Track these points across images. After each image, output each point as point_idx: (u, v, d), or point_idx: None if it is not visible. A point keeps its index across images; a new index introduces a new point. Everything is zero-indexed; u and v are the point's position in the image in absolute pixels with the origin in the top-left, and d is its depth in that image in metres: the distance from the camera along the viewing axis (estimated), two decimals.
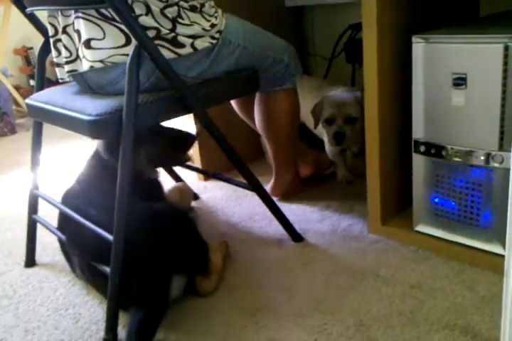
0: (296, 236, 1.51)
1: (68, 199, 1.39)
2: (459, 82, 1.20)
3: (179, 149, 1.61)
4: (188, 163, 1.80)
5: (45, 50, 1.39)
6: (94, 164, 1.46)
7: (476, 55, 1.15)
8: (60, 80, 1.36)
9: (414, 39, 1.24)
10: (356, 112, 1.65)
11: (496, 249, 1.27)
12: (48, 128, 1.47)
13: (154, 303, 1.16)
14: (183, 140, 1.60)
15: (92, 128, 1.14)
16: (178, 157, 1.61)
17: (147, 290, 1.17)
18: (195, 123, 1.92)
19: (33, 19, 1.37)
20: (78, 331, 1.22)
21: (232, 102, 1.78)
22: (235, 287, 1.32)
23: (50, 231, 1.40)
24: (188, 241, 1.29)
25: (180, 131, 1.58)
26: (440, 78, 1.22)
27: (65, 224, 1.35)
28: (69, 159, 2.56)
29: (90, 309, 1.30)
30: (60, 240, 1.39)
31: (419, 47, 1.24)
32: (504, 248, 1.25)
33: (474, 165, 1.23)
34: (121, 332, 1.19)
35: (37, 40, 1.39)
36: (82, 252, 1.24)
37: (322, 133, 1.90)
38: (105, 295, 1.25)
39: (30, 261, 1.54)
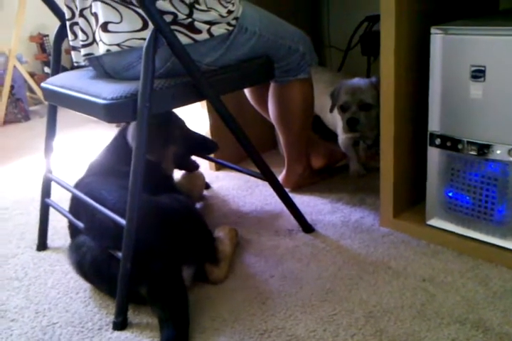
0: (307, 227, 1.51)
1: (82, 184, 1.40)
2: (478, 74, 1.18)
3: (200, 155, 1.65)
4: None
5: (61, 34, 1.39)
6: (112, 150, 1.46)
7: (496, 47, 1.13)
8: (75, 64, 1.36)
9: (433, 30, 1.23)
10: (371, 98, 1.64)
11: (510, 244, 1.25)
12: (62, 115, 1.47)
13: (174, 307, 1.15)
14: (207, 146, 1.64)
15: (107, 112, 1.14)
16: (192, 162, 1.72)
17: (162, 288, 1.16)
18: (209, 112, 1.92)
19: (49, 2, 1.37)
20: (88, 314, 1.23)
21: (246, 92, 1.78)
22: (245, 275, 1.32)
23: (63, 214, 1.40)
24: (194, 232, 1.29)
25: (205, 138, 1.62)
26: (458, 70, 1.21)
27: (79, 209, 1.36)
28: (83, 146, 2.57)
29: (100, 293, 1.30)
30: (70, 225, 1.39)
31: (437, 38, 1.23)
32: None
33: (490, 159, 1.22)
34: (131, 316, 1.20)
35: (53, 28, 1.39)
36: (101, 239, 1.23)
37: (335, 125, 1.90)
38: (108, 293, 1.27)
39: (42, 245, 1.56)
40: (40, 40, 3.53)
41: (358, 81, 1.71)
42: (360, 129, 1.69)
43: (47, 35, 3.53)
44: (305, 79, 1.56)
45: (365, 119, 1.67)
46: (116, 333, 1.16)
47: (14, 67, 3.06)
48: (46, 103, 1.47)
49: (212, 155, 1.81)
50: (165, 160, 1.54)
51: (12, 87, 3.10)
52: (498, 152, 1.20)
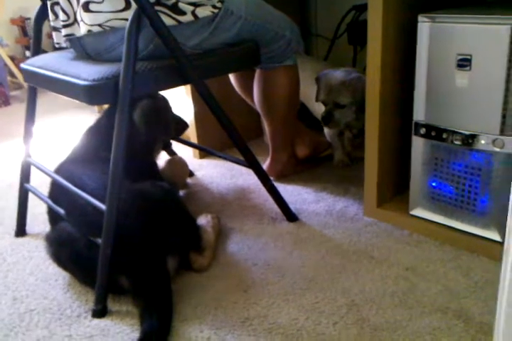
0: (290, 215, 1.50)
1: (63, 168, 1.37)
2: (464, 63, 1.17)
3: (176, 135, 1.65)
4: (186, 139, 1.79)
5: (42, 14, 1.36)
6: (96, 134, 1.43)
7: (482, 36, 1.13)
8: (56, 45, 1.33)
9: (420, 18, 1.22)
10: (345, 98, 1.63)
11: (492, 235, 1.26)
12: (43, 101, 1.44)
13: (158, 295, 1.13)
14: (182, 126, 1.63)
15: (88, 93, 1.11)
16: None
17: (145, 279, 1.14)
18: (194, 99, 1.90)
19: None
20: (67, 301, 1.21)
21: (232, 78, 1.75)
22: (228, 263, 1.31)
23: (42, 200, 1.37)
24: (177, 219, 1.27)
25: (179, 118, 1.61)
26: (444, 59, 1.20)
27: (58, 194, 1.33)
28: (64, 131, 2.52)
29: None
30: (49, 211, 1.36)
31: (424, 26, 1.22)
32: (500, 234, 1.24)
33: (474, 149, 1.21)
34: (111, 303, 1.18)
35: (34, 11, 1.35)
36: (81, 225, 1.21)
37: (320, 114, 1.88)
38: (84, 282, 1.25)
39: (21, 231, 1.53)
40: (21, 23, 3.46)
41: (336, 76, 1.67)
42: (335, 125, 1.69)
43: (28, 18, 3.45)
44: (291, 66, 1.54)
45: (340, 116, 1.67)
46: (96, 321, 1.14)
47: None
48: (27, 87, 1.43)
49: (195, 141, 1.79)
50: (157, 141, 1.52)
51: None
52: (483, 142, 1.19)
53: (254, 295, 1.18)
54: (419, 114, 1.30)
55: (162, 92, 1.43)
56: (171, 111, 1.57)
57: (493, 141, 1.18)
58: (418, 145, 1.33)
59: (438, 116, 1.26)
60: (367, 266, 1.26)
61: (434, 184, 1.34)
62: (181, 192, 1.74)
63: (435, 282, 1.18)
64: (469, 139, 1.21)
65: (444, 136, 1.26)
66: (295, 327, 1.07)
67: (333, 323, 1.07)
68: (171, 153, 1.81)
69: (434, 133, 1.28)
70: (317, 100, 1.74)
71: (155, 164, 1.56)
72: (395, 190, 1.50)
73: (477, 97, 1.17)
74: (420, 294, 1.14)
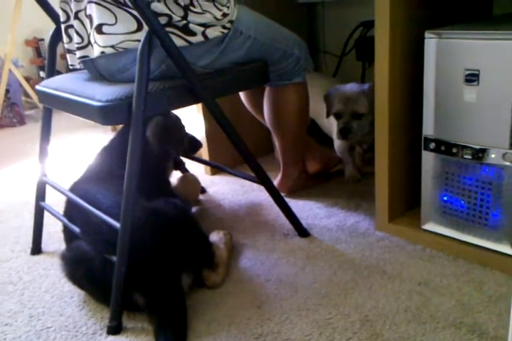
0: (302, 231, 1.51)
1: (77, 187, 1.39)
2: (472, 78, 1.19)
3: (190, 153, 1.69)
4: (197, 156, 1.82)
5: (56, 37, 1.39)
6: (111, 153, 1.46)
7: (490, 51, 1.14)
8: (70, 67, 1.36)
9: (427, 34, 1.23)
10: (363, 107, 1.65)
11: (504, 248, 1.25)
12: (57, 120, 1.47)
13: (173, 312, 1.14)
14: (195, 144, 1.66)
15: (102, 114, 1.14)
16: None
17: (160, 296, 1.15)
18: (205, 117, 1.92)
19: (44, 5, 1.37)
20: (83, 318, 1.22)
21: (242, 96, 1.78)
22: (241, 280, 1.31)
23: (57, 218, 1.39)
24: (190, 237, 1.28)
25: (192, 136, 1.65)
26: (452, 74, 1.21)
27: (73, 213, 1.35)
28: (78, 150, 2.56)
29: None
30: (64, 229, 1.38)
31: (431, 42, 1.23)
32: None
33: (485, 163, 1.22)
34: (126, 320, 1.19)
35: (48, 32, 1.40)
36: (96, 243, 1.22)
37: (331, 130, 1.90)
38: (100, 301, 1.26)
39: (37, 249, 1.55)
40: (35, 44, 3.54)
41: (350, 88, 1.71)
42: (352, 137, 1.70)
43: (42, 40, 3.53)
44: (300, 83, 1.56)
45: (358, 127, 1.67)
46: (111, 337, 1.15)
47: (10, 71, 3.06)
48: (41, 107, 1.47)
49: (207, 158, 1.81)
50: (169, 158, 1.55)
51: (7, 91, 3.09)
52: (493, 156, 1.20)
53: (268, 311, 1.18)
54: (428, 129, 1.30)
55: (174, 111, 1.45)
56: (183, 129, 1.60)
57: (503, 155, 1.18)
58: (428, 160, 1.33)
59: (447, 130, 1.27)
60: (379, 281, 1.26)
61: (445, 198, 1.34)
62: (194, 209, 1.76)
63: (449, 296, 1.18)
64: (479, 153, 1.22)
65: (454, 150, 1.26)
66: None
67: (347, 339, 1.07)
68: (184, 170, 1.84)
69: (444, 147, 1.28)
70: (328, 116, 1.75)
71: (168, 181, 1.58)
72: (407, 204, 1.50)
73: (486, 112, 1.18)
74: (434, 309, 1.14)
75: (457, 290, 1.20)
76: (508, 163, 1.18)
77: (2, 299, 1.33)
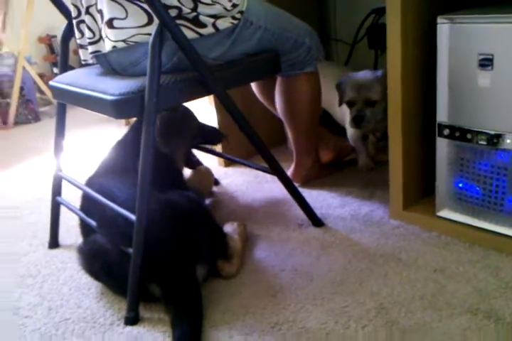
0: (316, 220, 1.51)
1: (93, 181, 1.40)
2: (485, 63, 1.17)
3: (210, 144, 1.70)
4: (211, 148, 1.82)
5: (68, 32, 1.40)
6: (124, 147, 1.47)
7: (503, 35, 1.12)
8: (83, 62, 1.37)
9: (440, 20, 1.22)
10: (376, 94, 1.64)
11: None
12: (72, 115, 1.48)
13: (188, 302, 1.15)
14: (215, 137, 1.66)
15: (115, 108, 1.15)
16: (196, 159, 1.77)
17: (176, 287, 1.17)
18: (217, 109, 1.92)
19: (56, 1, 1.38)
20: (100, 309, 1.24)
21: (253, 86, 1.78)
22: (256, 270, 1.32)
23: (74, 212, 1.41)
24: (204, 228, 1.29)
25: (214, 128, 1.65)
26: (466, 59, 1.20)
27: (90, 207, 1.36)
28: (93, 144, 2.59)
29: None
30: (81, 223, 1.40)
31: (444, 28, 1.22)
32: None
33: (500, 148, 1.21)
34: (143, 311, 1.20)
35: (60, 29, 1.41)
36: (113, 236, 1.23)
37: (343, 119, 1.89)
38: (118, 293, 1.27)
39: (54, 243, 1.57)
40: (48, 41, 3.56)
41: (363, 75, 1.70)
42: (366, 125, 1.68)
43: (55, 36, 3.55)
44: (312, 73, 1.55)
45: (371, 115, 1.66)
46: (128, 328, 1.16)
47: (23, 68, 3.09)
48: (56, 103, 1.48)
49: (220, 151, 1.82)
50: (179, 153, 1.56)
51: (22, 89, 3.12)
52: (508, 141, 1.19)
53: (283, 300, 1.19)
54: (442, 115, 1.29)
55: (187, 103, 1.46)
56: (194, 122, 1.60)
57: None
58: (442, 147, 1.32)
59: (461, 116, 1.26)
60: (395, 269, 1.25)
61: (460, 185, 1.33)
62: (207, 201, 1.76)
63: (464, 283, 1.17)
64: (494, 139, 1.21)
65: (469, 136, 1.25)
66: (324, 331, 1.07)
67: (362, 327, 1.07)
68: (196, 166, 1.83)
69: (458, 133, 1.27)
70: (340, 104, 1.75)
71: (181, 174, 1.59)
72: (421, 192, 1.49)
73: (500, 96, 1.17)
74: (449, 296, 1.14)
75: (473, 277, 1.19)
76: None
77: (22, 292, 1.35)
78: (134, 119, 1.59)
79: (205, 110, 2.00)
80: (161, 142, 1.44)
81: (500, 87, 1.16)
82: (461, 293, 1.14)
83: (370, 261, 1.30)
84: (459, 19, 1.19)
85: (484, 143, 1.23)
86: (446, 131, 1.29)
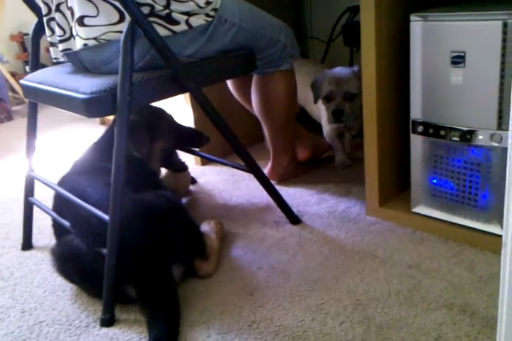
0: (293, 218, 1.51)
1: (66, 181, 1.38)
2: (458, 60, 1.18)
3: (189, 148, 1.71)
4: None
5: (38, 30, 1.38)
6: (99, 147, 1.45)
7: (475, 32, 1.14)
8: (54, 60, 1.35)
9: (413, 17, 1.23)
10: (355, 88, 1.64)
11: (494, 229, 1.26)
12: (45, 114, 1.46)
13: (165, 302, 1.14)
14: (199, 139, 1.64)
15: (86, 106, 1.13)
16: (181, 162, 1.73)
17: (152, 287, 1.15)
18: (193, 107, 1.91)
19: None
20: (75, 311, 1.22)
21: (229, 84, 1.77)
22: (233, 268, 1.32)
23: (47, 213, 1.38)
24: (180, 227, 1.28)
25: (196, 131, 1.63)
26: (438, 57, 1.21)
27: (63, 207, 1.34)
28: (67, 144, 2.55)
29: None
30: (54, 224, 1.38)
31: (417, 25, 1.23)
32: (503, 228, 1.24)
33: (473, 144, 1.22)
34: (118, 312, 1.19)
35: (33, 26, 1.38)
36: (86, 236, 1.21)
37: (320, 116, 1.89)
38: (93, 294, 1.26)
39: (27, 244, 1.54)
40: (20, 39, 3.50)
41: (340, 70, 1.71)
42: (345, 119, 1.69)
43: (27, 34, 3.48)
44: (287, 70, 1.55)
45: (350, 109, 1.67)
46: (104, 330, 1.15)
47: None
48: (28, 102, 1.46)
49: (198, 150, 1.81)
50: (153, 156, 1.54)
51: None
52: (481, 137, 1.20)
53: (260, 298, 1.19)
54: (416, 112, 1.31)
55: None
56: (164, 123, 1.58)
57: (491, 136, 1.18)
58: (417, 143, 1.34)
59: (435, 113, 1.27)
60: (371, 266, 1.26)
61: (434, 181, 1.34)
62: (184, 200, 1.75)
63: (440, 278, 1.18)
64: (467, 135, 1.22)
65: (442, 133, 1.27)
66: (301, 329, 1.07)
67: (339, 323, 1.08)
68: (183, 166, 1.80)
69: (432, 130, 1.28)
70: (315, 102, 1.75)
71: (156, 174, 1.58)
72: (397, 188, 1.50)
73: (473, 93, 1.18)
74: (425, 291, 1.15)
75: (448, 272, 1.20)
76: (495, 144, 1.18)
77: None
78: (109, 118, 1.57)
79: (181, 109, 1.98)
80: (130, 147, 1.41)
81: (472, 84, 1.17)
82: (436, 288, 1.15)
83: (347, 257, 1.31)
84: (432, 17, 1.20)
85: (457, 139, 1.24)
86: (420, 128, 1.30)
